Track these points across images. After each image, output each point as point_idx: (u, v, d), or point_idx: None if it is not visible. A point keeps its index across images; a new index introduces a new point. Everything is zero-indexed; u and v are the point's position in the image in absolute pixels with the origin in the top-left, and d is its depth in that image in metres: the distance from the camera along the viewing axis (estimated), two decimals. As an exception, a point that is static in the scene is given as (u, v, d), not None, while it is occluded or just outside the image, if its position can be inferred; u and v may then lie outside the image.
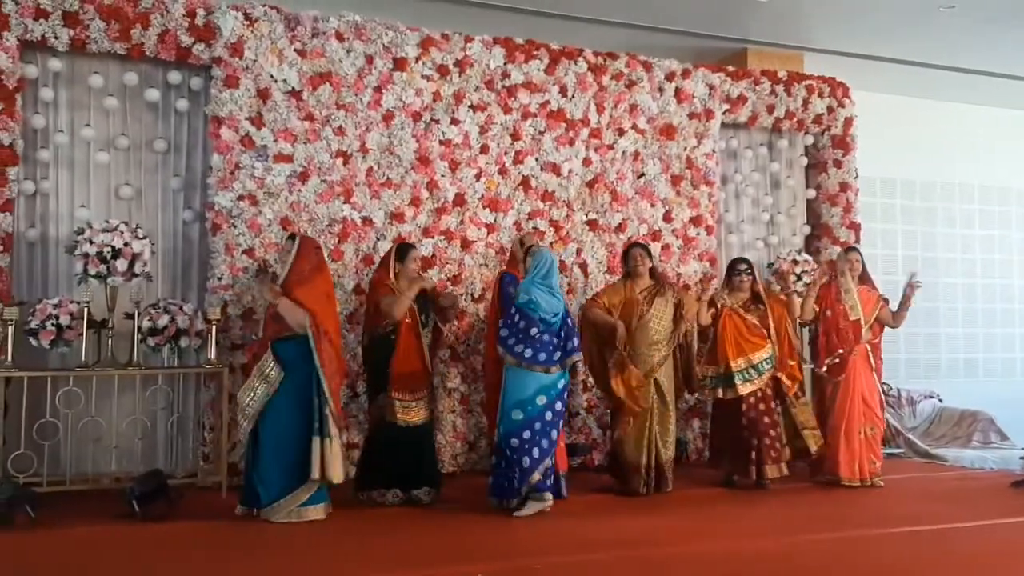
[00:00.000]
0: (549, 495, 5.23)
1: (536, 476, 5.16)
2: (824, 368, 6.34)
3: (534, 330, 5.20)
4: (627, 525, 5.06)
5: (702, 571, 4.15)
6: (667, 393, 5.90)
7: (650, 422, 5.81)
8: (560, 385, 5.29)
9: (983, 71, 8.82)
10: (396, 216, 6.39)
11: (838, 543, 4.66)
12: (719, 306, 6.22)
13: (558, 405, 5.31)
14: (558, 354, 5.26)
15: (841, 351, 6.26)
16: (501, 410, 5.27)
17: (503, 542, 4.63)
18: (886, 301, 6.45)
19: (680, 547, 4.57)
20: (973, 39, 8.03)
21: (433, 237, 6.48)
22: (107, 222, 5.53)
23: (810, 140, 7.98)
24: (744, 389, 6.09)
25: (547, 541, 4.67)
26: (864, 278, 6.45)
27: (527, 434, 5.16)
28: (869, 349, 6.30)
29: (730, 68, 7.61)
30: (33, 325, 5.39)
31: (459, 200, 6.58)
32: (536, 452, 5.16)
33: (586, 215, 6.97)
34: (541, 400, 5.20)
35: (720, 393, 6.14)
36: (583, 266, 6.91)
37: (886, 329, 6.49)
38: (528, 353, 5.18)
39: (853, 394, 6.21)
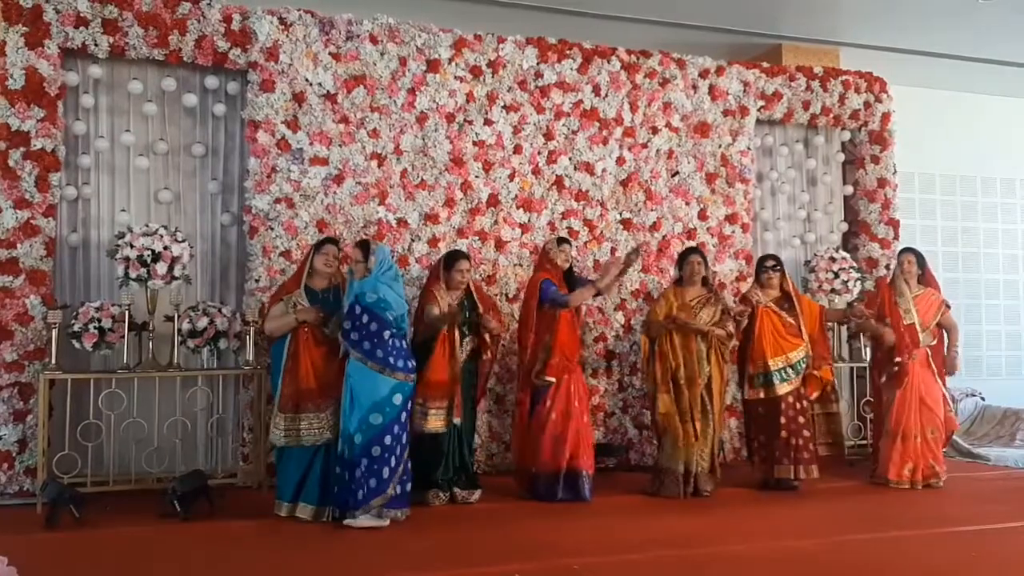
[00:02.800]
0: (401, 512, 4.93)
1: (392, 490, 4.82)
2: (883, 379, 6.23)
3: (386, 333, 4.88)
4: (665, 525, 5.04)
5: (741, 571, 4.12)
6: (711, 405, 5.84)
7: (689, 432, 5.77)
8: (412, 386, 5.01)
9: (1022, 64, 8.66)
10: (430, 217, 6.42)
11: (879, 543, 4.61)
12: (754, 303, 6.14)
13: (410, 405, 5.07)
14: (412, 363, 5.01)
15: (899, 359, 6.13)
16: (352, 414, 4.84)
17: (539, 542, 4.63)
18: (948, 307, 6.33)
19: (719, 547, 4.54)
20: (1012, 31, 7.89)
21: (467, 238, 6.49)
22: (147, 226, 5.62)
23: (847, 136, 7.90)
24: (782, 389, 6.00)
25: (585, 541, 4.67)
26: (927, 280, 6.34)
27: (388, 439, 4.82)
28: (930, 352, 6.20)
29: (765, 64, 7.56)
30: (76, 328, 5.48)
31: (493, 201, 6.59)
32: (394, 461, 4.83)
33: (620, 214, 6.95)
34: (397, 399, 4.87)
35: (760, 393, 6.04)
36: (618, 265, 6.89)
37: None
38: (380, 353, 4.86)
39: (911, 398, 6.12)
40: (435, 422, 5.43)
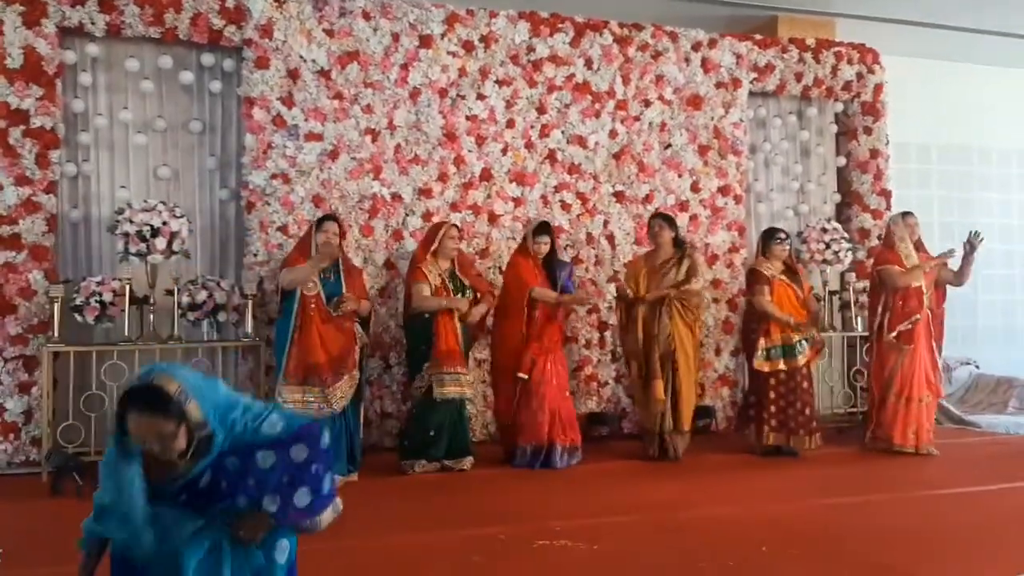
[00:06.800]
0: None
1: None
2: (895, 334, 6.21)
3: None
4: (651, 490, 5.19)
5: (721, 534, 4.23)
6: (683, 365, 5.95)
7: (657, 391, 5.90)
8: None
9: (1019, 34, 8.63)
10: (424, 192, 6.51)
11: (857, 507, 4.74)
12: (768, 276, 6.19)
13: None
14: None
15: (917, 316, 6.20)
16: None
17: (525, 506, 4.78)
18: (944, 264, 6.39)
19: (701, 511, 4.69)
20: (1011, 2, 7.85)
21: (461, 211, 6.59)
22: (146, 202, 5.74)
23: (840, 107, 7.93)
24: (802, 360, 6.10)
25: (568, 505, 4.82)
26: (919, 244, 6.40)
27: None
28: (930, 316, 6.29)
29: (757, 37, 7.58)
30: (78, 302, 5.61)
31: (486, 175, 6.67)
32: None
33: (613, 187, 7.02)
34: None
35: (782, 365, 6.09)
36: (610, 238, 6.98)
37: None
38: None
39: (918, 362, 6.20)
40: (453, 387, 5.59)
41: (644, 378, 5.94)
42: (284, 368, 5.26)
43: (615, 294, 6.32)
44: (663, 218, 6.18)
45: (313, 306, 5.29)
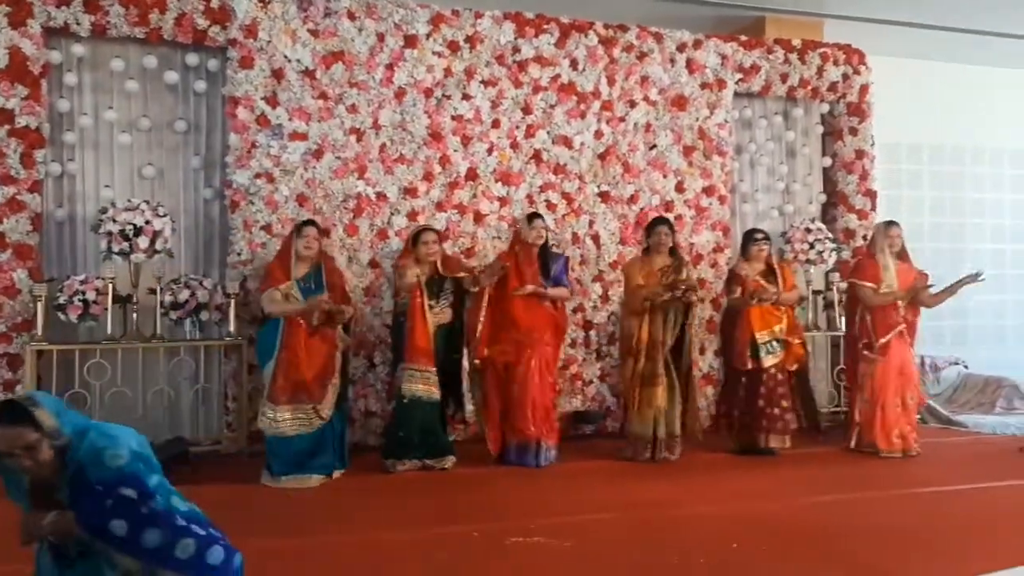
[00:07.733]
0: None
1: None
2: (879, 345, 6.19)
3: None
4: (634, 488, 5.20)
5: (703, 532, 4.24)
6: (678, 370, 5.99)
7: (657, 397, 5.91)
8: None
9: (1013, 34, 8.64)
10: (409, 191, 6.53)
11: (837, 506, 4.76)
12: (743, 277, 6.24)
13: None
14: None
15: (902, 327, 6.19)
16: None
17: (501, 504, 4.80)
18: (925, 277, 6.35)
19: (684, 509, 4.70)
20: (1001, 2, 7.86)
21: (446, 211, 6.61)
22: (129, 201, 5.77)
23: (825, 108, 7.93)
24: (768, 361, 6.12)
25: (547, 502, 4.84)
26: (902, 254, 6.38)
27: None
28: (904, 325, 6.28)
29: (743, 37, 7.59)
30: (62, 300, 5.64)
31: (471, 174, 6.69)
32: None
33: (598, 187, 7.03)
34: None
35: (748, 365, 6.13)
36: (595, 238, 7.00)
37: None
38: None
39: (890, 368, 6.20)
40: (420, 385, 5.57)
41: (644, 379, 5.92)
42: (272, 387, 5.28)
43: (644, 297, 6.07)
44: (669, 225, 6.17)
45: (300, 320, 5.32)
